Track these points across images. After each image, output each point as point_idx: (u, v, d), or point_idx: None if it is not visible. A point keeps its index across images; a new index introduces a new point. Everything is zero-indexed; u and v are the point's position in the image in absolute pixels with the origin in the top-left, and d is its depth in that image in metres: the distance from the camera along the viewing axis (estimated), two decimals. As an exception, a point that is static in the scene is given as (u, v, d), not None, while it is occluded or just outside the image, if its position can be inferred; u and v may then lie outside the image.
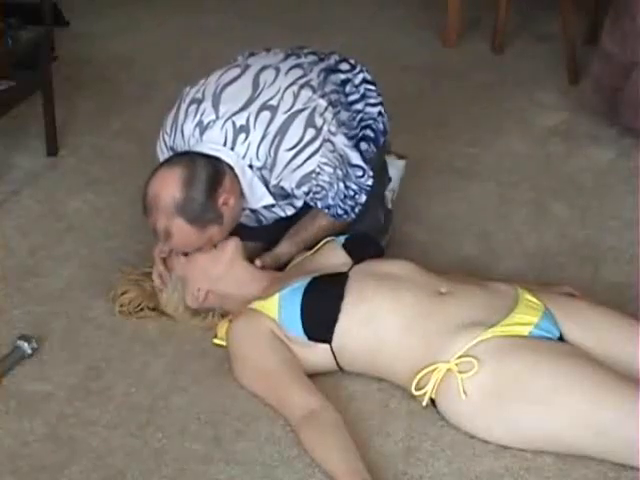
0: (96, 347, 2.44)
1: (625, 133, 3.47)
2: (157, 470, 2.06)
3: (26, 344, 2.37)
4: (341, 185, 2.47)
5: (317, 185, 2.44)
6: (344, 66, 2.65)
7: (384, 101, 2.68)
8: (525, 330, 2.15)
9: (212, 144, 2.41)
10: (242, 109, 2.43)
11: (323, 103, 2.47)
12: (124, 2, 4.88)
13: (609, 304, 2.31)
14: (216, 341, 2.41)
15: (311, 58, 2.60)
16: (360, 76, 2.65)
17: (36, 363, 2.37)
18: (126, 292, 2.53)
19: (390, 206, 2.76)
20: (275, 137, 2.41)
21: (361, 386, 2.28)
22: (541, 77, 4.05)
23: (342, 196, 2.48)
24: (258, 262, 2.48)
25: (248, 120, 2.42)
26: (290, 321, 2.25)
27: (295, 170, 2.42)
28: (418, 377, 2.14)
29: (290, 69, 2.52)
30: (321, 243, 2.50)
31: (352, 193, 2.49)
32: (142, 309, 2.51)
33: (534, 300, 2.23)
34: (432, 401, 2.15)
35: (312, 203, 2.49)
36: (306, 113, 2.43)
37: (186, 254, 2.44)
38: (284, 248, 2.55)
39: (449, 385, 2.10)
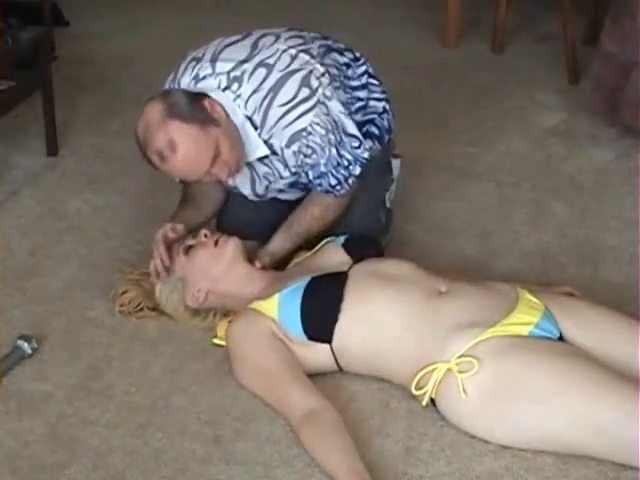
0: (96, 347, 2.44)
1: (625, 133, 3.47)
2: (157, 470, 2.06)
3: (26, 344, 2.37)
4: (334, 151, 2.43)
5: (307, 146, 2.41)
6: (348, 54, 2.62)
7: (389, 99, 2.67)
8: (525, 330, 2.15)
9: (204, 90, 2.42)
10: (238, 65, 2.42)
11: (321, 68, 2.44)
12: (124, 2, 4.88)
13: (609, 304, 2.31)
14: (216, 341, 2.41)
15: (314, 34, 2.58)
16: (363, 68, 2.63)
17: (36, 363, 2.37)
18: (126, 292, 2.53)
19: (389, 205, 2.76)
20: (268, 93, 2.39)
21: (361, 386, 2.28)
22: (541, 77, 4.05)
23: (335, 163, 2.44)
24: (258, 264, 2.47)
25: (243, 74, 2.41)
26: (290, 321, 2.25)
27: (286, 127, 2.39)
28: (418, 377, 2.14)
29: (291, 37, 2.50)
30: (321, 243, 2.50)
31: (346, 163, 2.46)
32: (142, 309, 2.52)
33: (534, 300, 2.23)
34: (432, 401, 2.15)
35: (303, 172, 2.46)
36: (302, 73, 2.41)
37: (187, 253, 2.44)
38: (277, 244, 2.53)
39: (449, 385, 2.10)
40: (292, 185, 2.57)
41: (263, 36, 2.50)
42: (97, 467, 2.07)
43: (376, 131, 2.63)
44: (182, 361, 2.39)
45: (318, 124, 2.40)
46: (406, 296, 2.22)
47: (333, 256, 2.42)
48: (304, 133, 2.40)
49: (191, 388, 2.29)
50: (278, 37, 2.49)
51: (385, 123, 2.64)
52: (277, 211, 2.61)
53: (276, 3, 4.84)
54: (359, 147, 2.48)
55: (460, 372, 2.08)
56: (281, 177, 2.52)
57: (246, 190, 2.59)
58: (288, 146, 2.41)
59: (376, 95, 2.64)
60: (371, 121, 2.62)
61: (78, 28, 4.53)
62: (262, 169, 2.52)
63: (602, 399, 1.99)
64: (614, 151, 3.42)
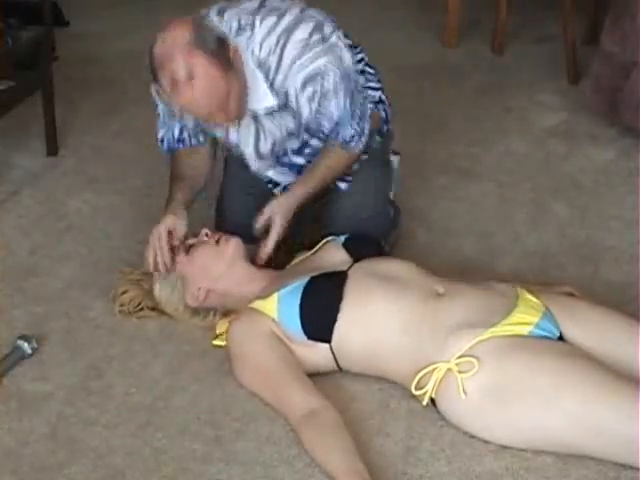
0: (96, 347, 2.44)
1: (625, 133, 3.47)
2: (157, 470, 2.06)
3: (26, 344, 2.37)
4: (348, 100, 2.40)
5: (322, 90, 2.36)
6: (348, 39, 2.57)
7: (384, 88, 2.66)
8: (525, 330, 2.15)
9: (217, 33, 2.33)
10: (248, 14, 2.38)
11: (332, 23, 2.42)
12: (124, 2, 4.88)
13: (609, 304, 2.31)
14: (216, 342, 2.41)
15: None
16: (360, 55, 2.61)
17: (36, 363, 2.37)
18: (126, 292, 2.53)
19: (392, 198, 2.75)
20: (282, 33, 2.35)
21: (361, 386, 2.28)
22: (541, 77, 4.05)
23: (350, 113, 2.41)
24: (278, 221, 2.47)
25: (254, 20, 2.37)
26: (289, 320, 2.25)
27: (301, 69, 2.35)
28: (418, 377, 2.14)
29: (297, 6, 2.46)
30: (321, 243, 2.50)
31: (359, 113, 2.44)
32: (142, 309, 2.52)
33: (534, 300, 2.23)
34: (432, 401, 2.15)
35: (317, 119, 2.42)
36: (314, 21, 2.38)
37: (187, 252, 2.44)
38: (298, 189, 2.50)
39: (449, 385, 2.10)
40: (298, 151, 2.55)
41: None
42: (97, 467, 2.07)
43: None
44: (182, 361, 2.39)
45: (332, 69, 2.36)
46: (406, 296, 2.22)
47: (333, 255, 2.42)
48: (319, 76, 2.36)
49: (191, 388, 2.30)
50: (285, 1, 2.45)
51: (382, 113, 2.63)
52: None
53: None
54: (364, 103, 2.46)
55: (460, 372, 2.08)
56: (288, 134, 2.48)
57: (249, 149, 2.53)
58: (303, 88, 2.36)
59: (372, 84, 2.63)
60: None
61: (78, 28, 4.53)
62: (268, 124, 2.47)
63: (602, 399, 1.99)
64: (614, 151, 3.42)
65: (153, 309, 2.52)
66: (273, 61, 2.36)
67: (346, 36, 2.59)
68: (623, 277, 2.71)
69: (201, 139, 2.57)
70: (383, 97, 2.65)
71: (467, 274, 2.54)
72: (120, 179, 3.25)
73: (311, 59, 2.35)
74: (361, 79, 2.55)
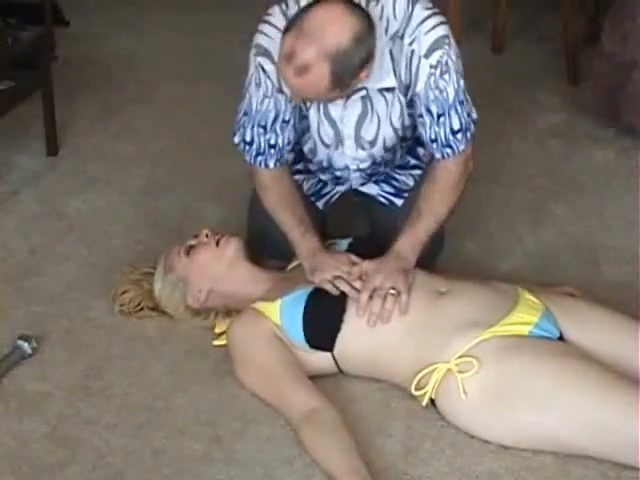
0: (96, 347, 2.44)
1: (625, 133, 3.47)
2: (157, 470, 2.06)
3: (26, 344, 2.37)
4: (462, 83, 2.30)
5: (445, 61, 2.23)
6: None
7: None
8: (525, 330, 2.15)
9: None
10: None
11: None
12: (124, 2, 4.87)
13: (609, 304, 2.31)
14: (216, 342, 2.41)
15: None
16: None
17: (36, 363, 2.37)
18: (126, 292, 2.53)
19: None
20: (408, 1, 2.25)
21: (361, 386, 2.28)
22: (541, 77, 4.05)
23: (461, 98, 2.31)
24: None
25: None
26: (292, 328, 2.25)
27: (427, 32, 2.22)
28: (418, 377, 2.14)
29: None
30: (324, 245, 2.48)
31: (467, 106, 2.34)
32: (142, 309, 2.52)
33: (534, 300, 2.23)
34: (432, 401, 2.15)
35: (429, 100, 2.27)
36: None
37: (188, 253, 2.44)
38: (405, 242, 2.32)
39: (449, 385, 2.10)
40: (400, 142, 2.43)
41: None
42: (97, 467, 2.07)
43: None
44: (182, 361, 2.39)
45: (452, 41, 2.27)
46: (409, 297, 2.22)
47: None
48: (446, 40, 2.25)
49: (191, 388, 2.29)
50: None
51: None
52: None
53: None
54: (470, 103, 2.37)
55: (460, 372, 2.08)
56: (393, 118, 2.36)
57: (350, 126, 2.38)
58: (427, 56, 2.24)
59: None
60: None
61: (78, 28, 4.53)
62: (380, 103, 2.33)
63: (602, 399, 1.99)
64: (614, 151, 3.42)
65: (153, 309, 2.52)
66: (402, 25, 2.23)
67: None
68: (623, 277, 2.71)
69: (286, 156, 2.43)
70: None
71: (468, 274, 2.53)
72: (120, 179, 3.25)
73: (435, 24, 2.24)
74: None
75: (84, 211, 3.07)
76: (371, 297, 2.22)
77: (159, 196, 3.14)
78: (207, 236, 2.46)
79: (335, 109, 2.35)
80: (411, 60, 2.25)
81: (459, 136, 2.34)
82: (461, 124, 2.33)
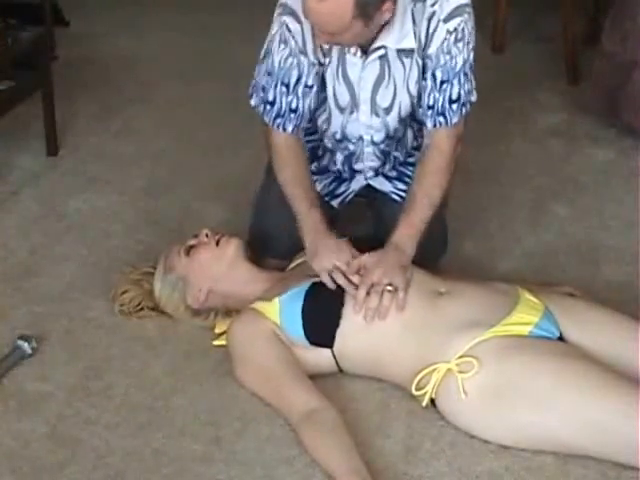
0: (96, 347, 2.44)
1: (625, 133, 3.47)
2: (157, 470, 2.06)
3: (26, 344, 2.37)
4: (471, 56, 2.35)
5: (462, 29, 2.30)
6: None
7: None
8: (525, 330, 2.15)
9: None
10: None
11: None
12: (124, 2, 4.88)
13: (609, 304, 2.31)
14: (216, 342, 2.41)
15: None
16: None
17: (36, 363, 2.37)
18: (126, 292, 2.53)
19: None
20: None
21: (361, 386, 2.28)
22: (541, 77, 4.05)
23: (468, 68, 2.36)
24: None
25: None
26: (291, 325, 2.25)
27: None
28: (418, 377, 2.14)
29: None
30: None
31: (471, 82, 2.40)
32: (142, 309, 2.52)
33: (534, 300, 2.23)
34: (432, 401, 2.15)
35: (437, 64, 2.32)
36: None
37: (188, 253, 2.44)
38: (402, 234, 2.31)
39: (449, 385, 2.10)
40: (402, 120, 2.44)
41: None
42: (97, 467, 2.07)
43: None
44: (182, 361, 2.39)
45: (471, 15, 2.32)
46: (408, 296, 2.22)
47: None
48: (467, 9, 2.31)
49: (191, 388, 2.29)
50: None
51: None
52: None
53: (276, 3, 4.84)
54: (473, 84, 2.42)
55: (460, 372, 2.08)
56: (411, 81, 2.37)
57: (367, 90, 2.39)
58: (447, 20, 2.29)
59: None
60: None
61: (78, 28, 4.53)
62: (397, 68, 2.35)
63: (602, 399, 1.99)
64: (614, 151, 3.42)
65: (153, 309, 2.52)
66: None
67: None
68: (623, 277, 2.71)
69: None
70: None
71: (468, 274, 2.54)
72: (120, 179, 3.25)
73: None
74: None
75: (84, 211, 3.07)
76: (368, 293, 2.22)
77: (159, 196, 3.14)
78: (207, 236, 2.46)
79: (353, 70, 2.36)
80: (430, 21, 2.29)
81: (455, 107, 2.37)
82: (459, 95, 2.36)
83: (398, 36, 2.29)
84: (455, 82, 2.35)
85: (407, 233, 2.32)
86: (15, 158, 3.37)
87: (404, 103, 2.42)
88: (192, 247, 2.46)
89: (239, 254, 2.44)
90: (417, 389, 2.15)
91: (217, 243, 2.45)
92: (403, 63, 2.36)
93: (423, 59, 2.34)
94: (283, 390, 2.18)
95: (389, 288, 2.21)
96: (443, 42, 2.31)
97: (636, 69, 3.32)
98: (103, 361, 2.39)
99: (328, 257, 2.28)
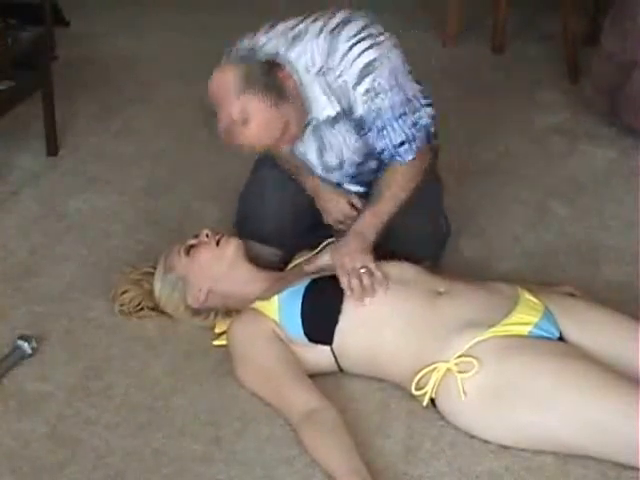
0: (96, 347, 2.44)
1: (625, 133, 3.47)
2: (157, 470, 2.06)
3: (26, 344, 2.37)
4: (398, 97, 2.36)
5: (376, 83, 2.32)
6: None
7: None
8: (525, 330, 2.15)
9: (266, 55, 2.35)
10: (294, 27, 2.39)
11: (380, 27, 2.39)
12: (124, 2, 4.88)
13: (609, 304, 2.30)
14: (216, 342, 2.41)
15: None
16: (408, 67, 2.54)
17: (36, 363, 2.37)
18: (126, 292, 2.53)
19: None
20: (333, 30, 2.33)
21: (361, 386, 2.28)
22: (541, 77, 4.05)
23: (401, 111, 2.37)
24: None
25: (300, 31, 2.37)
26: (290, 323, 2.25)
27: (353, 62, 2.32)
28: (418, 377, 2.14)
29: (345, 12, 2.42)
30: (323, 244, 2.49)
31: (411, 118, 2.39)
32: (142, 309, 2.52)
33: (534, 300, 2.23)
34: (432, 401, 2.15)
35: (371, 120, 2.36)
36: (364, 21, 2.36)
37: (188, 253, 2.44)
38: (366, 222, 2.39)
39: (449, 385, 2.10)
40: (365, 157, 2.51)
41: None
42: (97, 467, 2.07)
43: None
44: (182, 361, 2.39)
45: (383, 61, 2.34)
46: (407, 296, 2.22)
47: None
48: (371, 66, 2.32)
49: (191, 388, 2.30)
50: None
51: (432, 129, 2.56)
52: (298, 221, 2.61)
53: (276, 3, 4.84)
54: (419, 111, 2.43)
55: (460, 372, 2.08)
56: (349, 142, 2.47)
57: (313, 157, 2.53)
58: (358, 84, 2.33)
59: (421, 100, 2.52)
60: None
61: (78, 28, 4.53)
62: (331, 134, 2.46)
63: (602, 399, 1.99)
64: (614, 151, 3.42)
65: (153, 309, 2.52)
66: (325, 61, 2.34)
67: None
68: (623, 277, 2.71)
69: None
70: (433, 112, 2.58)
71: (467, 274, 2.54)
72: (120, 179, 3.26)
73: (364, 48, 2.32)
74: (415, 87, 2.49)
75: (84, 211, 3.07)
76: None
77: (159, 196, 3.14)
78: (207, 236, 2.46)
79: (297, 146, 2.50)
80: (345, 90, 2.35)
81: (403, 148, 2.41)
82: (404, 136, 2.40)
83: (318, 107, 2.40)
84: (395, 125, 2.39)
85: (371, 222, 2.39)
86: (15, 158, 3.37)
87: (352, 159, 2.53)
88: (192, 247, 2.46)
89: (239, 254, 2.44)
90: (417, 389, 2.14)
91: (217, 243, 2.45)
92: (335, 128, 2.45)
93: (353, 120, 2.41)
94: (283, 390, 2.18)
95: (362, 271, 2.27)
96: (364, 104, 2.36)
97: (636, 69, 3.32)
98: (103, 361, 2.39)
99: (336, 214, 2.56)
